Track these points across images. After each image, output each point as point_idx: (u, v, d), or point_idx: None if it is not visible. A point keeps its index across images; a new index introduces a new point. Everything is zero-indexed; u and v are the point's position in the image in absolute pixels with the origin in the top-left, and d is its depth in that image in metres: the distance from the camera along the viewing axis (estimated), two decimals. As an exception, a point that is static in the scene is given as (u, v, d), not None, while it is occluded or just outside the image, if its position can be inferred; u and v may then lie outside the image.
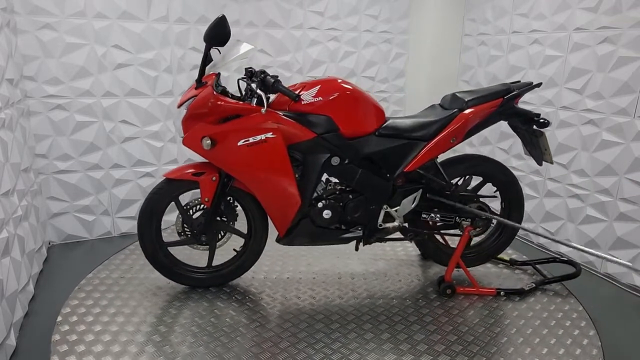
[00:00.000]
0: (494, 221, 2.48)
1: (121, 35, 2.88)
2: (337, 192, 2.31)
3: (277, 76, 2.18)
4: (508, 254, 2.85)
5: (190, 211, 2.34)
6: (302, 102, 2.13)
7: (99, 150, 2.98)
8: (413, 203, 2.31)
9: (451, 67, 3.82)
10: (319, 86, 2.15)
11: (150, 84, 3.03)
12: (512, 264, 2.73)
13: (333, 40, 3.56)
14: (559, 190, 2.98)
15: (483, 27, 3.52)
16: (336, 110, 2.14)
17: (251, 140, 2.08)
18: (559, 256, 2.79)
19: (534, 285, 2.44)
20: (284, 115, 2.12)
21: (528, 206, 3.20)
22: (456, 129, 2.24)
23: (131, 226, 3.19)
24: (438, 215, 2.38)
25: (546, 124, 2.26)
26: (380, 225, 2.33)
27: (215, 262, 2.43)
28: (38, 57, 2.70)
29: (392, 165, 2.28)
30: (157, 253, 2.32)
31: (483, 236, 2.61)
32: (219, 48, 2.15)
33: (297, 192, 2.18)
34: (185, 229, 2.34)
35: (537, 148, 2.33)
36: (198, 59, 3.12)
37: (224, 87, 2.18)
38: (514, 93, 2.26)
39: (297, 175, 2.21)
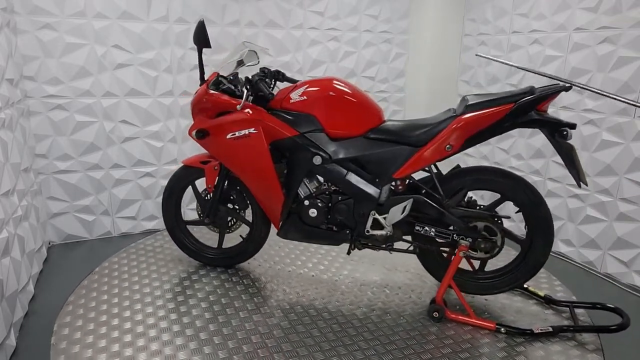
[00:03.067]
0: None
1: (121, 35, 2.88)
2: (327, 193, 2.28)
3: (265, 74, 2.31)
4: (556, 289, 2.50)
5: (208, 196, 2.56)
6: (291, 101, 2.20)
7: (99, 150, 2.98)
8: (402, 212, 2.13)
9: (451, 67, 3.82)
10: (307, 85, 2.20)
11: (150, 84, 3.03)
12: (547, 301, 2.34)
13: (333, 40, 3.56)
14: (559, 190, 2.98)
15: (483, 27, 3.52)
16: (321, 110, 2.16)
17: (237, 134, 2.24)
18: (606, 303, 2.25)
19: (550, 329, 2.04)
20: (269, 112, 2.22)
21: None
22: (451, 136, 2.02)
23: (131, 226, 3.19)
24: (433, 230, 2.17)
25: (565, 135, 1.90)
26: (368, 231, 2.22)
27: (227, 246, 2.68)
28: (38, 57, 2.70)
29: (380, 170, 2.16)
30: (175, 228, 2.64)
31: (501, 262, 2.40)
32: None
33: (279, 187, 2.26)
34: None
35: (572, 165, 1.94)
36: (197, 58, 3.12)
37: (229, 85, 2.31)
38: (529, 97, 1.93)
39: (285, 171, 2.31)
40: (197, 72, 3.15)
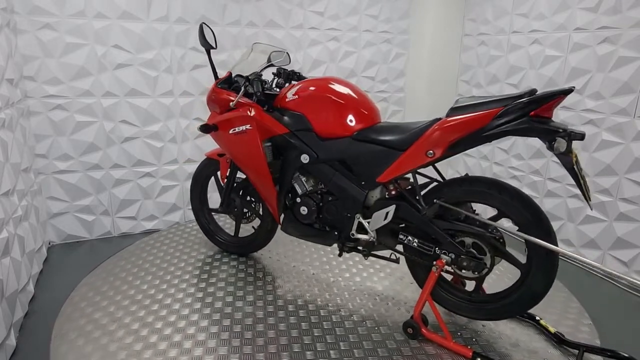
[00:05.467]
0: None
1: (121, 35, 2.88)
2: (318, 192, 2.28)
3: (261, 75, 2.35)
4: (580, 328, 2.16)
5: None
6: (286, 100, 2.24)
7: (99, 150, 2.98)
8: (385, 219, 2.01)
9: (451, 67, 3.82)
10: (301, 85, 2.23)
11: (150, 84, 3.03)
12: (557, 340, 2.03)
13: (333, 40, 3.56)
14: (559, 190, 2.98)
15: (483, 27, 3.52)
16: (310, 109, 2.17)
17: (237, 130, 2.33)
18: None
19: None
20: (265, 110, 2.29)
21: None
22: (431, 141, 1.85)
23: (131, 226, 3.19)
24: (416, 241, 2.03)
25: (552, 146, 1.62)
26: (353, 234, 2.15)
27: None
28: (38, 57, 2.70)
29: (366, 172, 2.08)
30: (199, 213, 2.86)
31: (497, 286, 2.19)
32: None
33: (271, 183, 2.32)
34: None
35: (576, 180, 1.68)
36: (198, 58, 3.13)
37: (242, 84, 2.41)
38: (518, 102, 1.68)
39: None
40: (197, 72, 3.16)
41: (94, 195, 3.03)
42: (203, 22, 2.34)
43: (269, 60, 2.41)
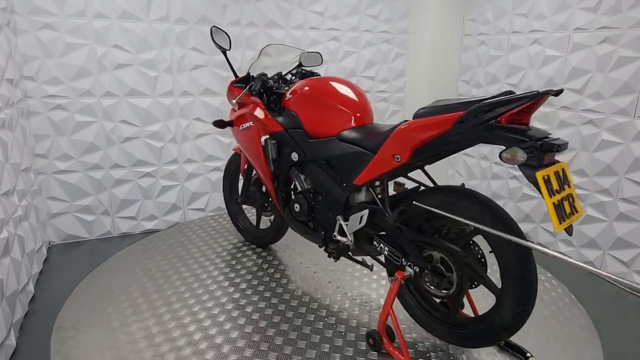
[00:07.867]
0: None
1: (121, 35, 2.88)
2: (311, 191, 2.26)
3: (265, 75, 2.42)
4: None
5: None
6: (285, 98, 2.29)
7: (99, 150, 2.98)
8: (359, 223, 1.91)
9: (451, 67, 3.82)
10: (297, 84, 2.26)
11: (150, 84, 3.03)
12: None
13: (333, 40, 3.56)
14: (559, 190, 2.97)
15: (483, 27, 3.52)
16: (301, 108, 2.20)
17: (244, 126, 2.48)
18: None
19: None
20: (270, 108, 2.36)
21: (527, 207, 3.19)
22: (395, 144, 1.72)
23: (131, 226, 3.19)
24: (386, 249, 1.90)
25: (501, 156, 1.43)
26: (335, 236, 2.09)
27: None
28: (38, 57, 2.70)
29: (346, 173, 2.01)
30: (229, 204, 3.05)
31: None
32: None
33: (270, 178, 2.40)
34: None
35: (543, 197, 1.46)
36: (198, 59, 3.14)
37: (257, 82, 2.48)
38: (477, 105, 1.45)
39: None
40: (197, 72, 3.17)
41: (94, 195, 3.04)
42: (213, 26, 2.40)
43: (299, 60, 2.54)
